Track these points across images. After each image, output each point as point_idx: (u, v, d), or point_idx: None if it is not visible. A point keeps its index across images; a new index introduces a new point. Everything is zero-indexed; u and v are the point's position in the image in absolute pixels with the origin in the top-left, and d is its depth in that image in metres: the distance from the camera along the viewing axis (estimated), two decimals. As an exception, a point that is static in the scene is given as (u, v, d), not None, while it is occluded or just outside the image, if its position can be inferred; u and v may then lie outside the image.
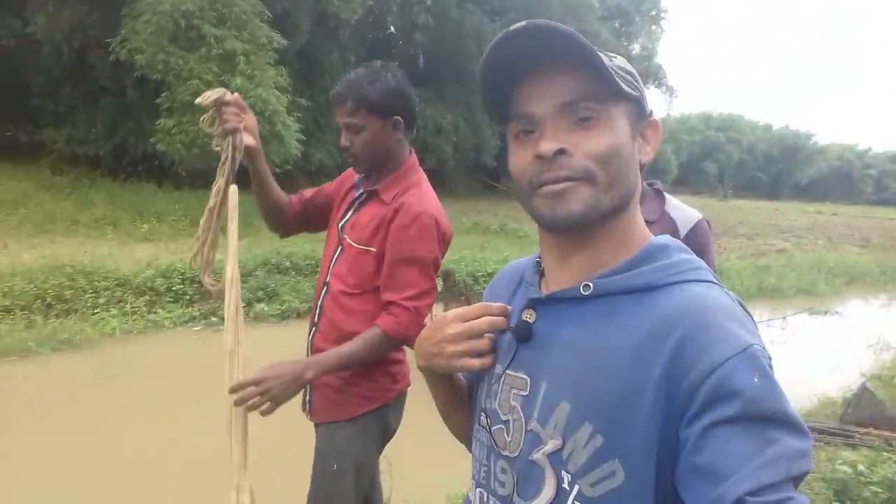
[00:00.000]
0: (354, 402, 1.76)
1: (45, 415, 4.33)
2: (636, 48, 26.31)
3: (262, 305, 7.16)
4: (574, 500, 0.72)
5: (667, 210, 1.88)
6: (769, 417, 0.62)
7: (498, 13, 18.79)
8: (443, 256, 1.79)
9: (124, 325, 6.32)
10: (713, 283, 0.75)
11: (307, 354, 1.84)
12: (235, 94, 1.63)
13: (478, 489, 0.86)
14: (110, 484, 3.38)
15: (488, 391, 0.85)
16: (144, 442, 3.87)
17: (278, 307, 7.18)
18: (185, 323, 6.67)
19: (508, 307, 0.85)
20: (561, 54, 0.72)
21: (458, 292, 6.73)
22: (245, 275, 7.59)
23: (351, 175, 1.93)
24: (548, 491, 0.74)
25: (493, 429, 0.83)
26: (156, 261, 7.74)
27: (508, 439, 0.80)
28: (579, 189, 0.73)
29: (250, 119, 1.66)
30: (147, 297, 7.00)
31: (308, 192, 2.00)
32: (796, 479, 0.62)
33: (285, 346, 4.65)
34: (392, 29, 20.32)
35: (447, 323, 0.84)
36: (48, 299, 6.46)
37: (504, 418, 0.81)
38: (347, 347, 1.65)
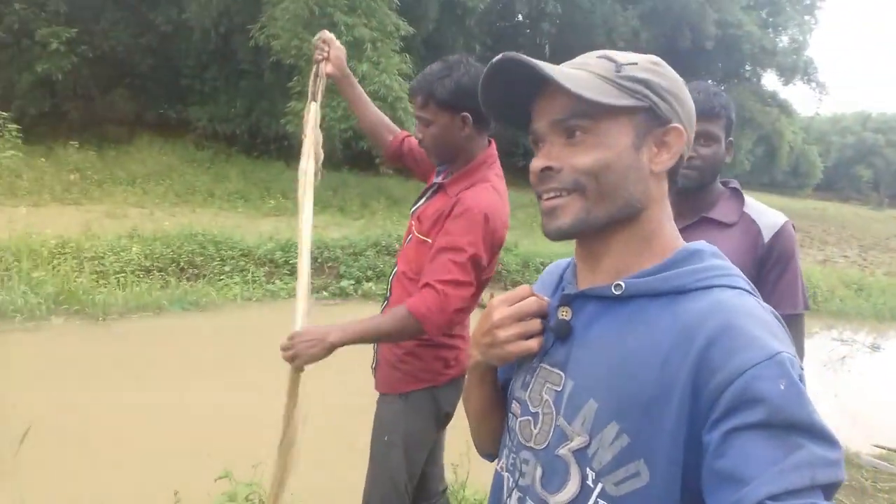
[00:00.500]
0: (404, 379, 1.84)
1: (174, 365, 4.77)
2: (784, 41, 24.16)
3: (370, 284, 7.41)
4: (598, 497, 0.73)
5: (746, 212, 1.66)
6: (794, 425, 0.62)
7: (631, 1, 18.03)
8: (491, 258, 1.75)
9: (245, 292, 6.77)
10: (745, 290, 0.74)
11: None
12: (324, 32, 2.00)
13: (506, 473, 0.88)
14: (226, 422, 3.71)
15: (522, 382, 0.87)
16: (256, 392, 4.13)
17: (385, 286, 7.35)
18: (298, 295, 7.04)
19: (548, 298, 0.86)
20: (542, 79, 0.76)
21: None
22: (356, 254, 7.90)
23: None
24: (572, 487, 0.75)
25: (520, 419, 0.85)
26: (277, 235, 8.22)
27: (535, 431, 0.82)
28: (570, 203, 0.77)
29: (333, 52, 1.98)
30: (267, 268, 7.46)
31: (414, 140, 2.03)
32: (826, 489, 0.61)
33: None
34: (520, 17, 20.11)
35: (494, 308, 0.85)
36: (182, 263, 7.06)
37: (533, 410, 0.83)
38: (375, 320, 1.70)
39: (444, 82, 1.71)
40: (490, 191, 1.75)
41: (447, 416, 1.92)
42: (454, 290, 1.66)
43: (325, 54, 1.97)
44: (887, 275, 12.61)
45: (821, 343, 7.96)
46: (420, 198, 1.92)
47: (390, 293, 1.93)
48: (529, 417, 0.83)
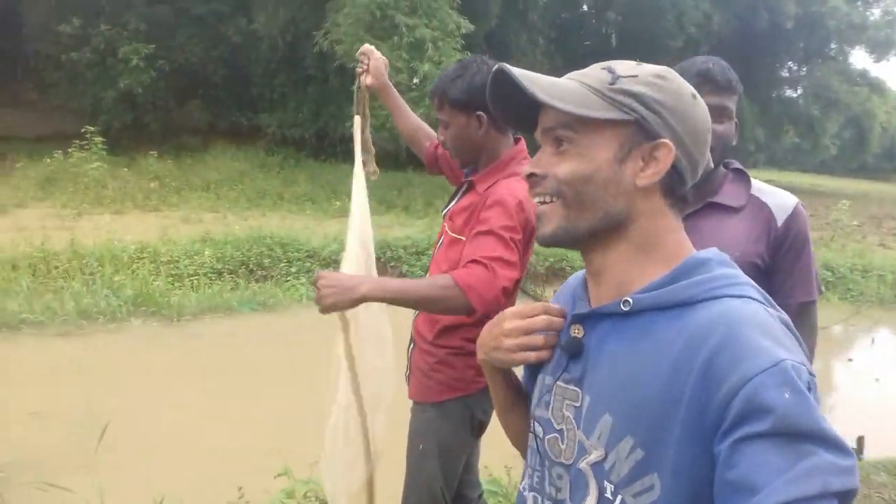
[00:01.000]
0: (437, 388, 1.82)
1: (242, 364, 4.93)
2: (875, 14, 22.44)
3: (431, 283, 7.42)
4: None
5: (754, 194, 1.54)
6: (802, 433, 0.62)
7: (699, -17, 17.28)
8: (526, 248, 1.68)
9: (310, 292, 6.91)
10: (752, 298, 0.73)
11: (412, 331, 1.94)
12: (365, 45, 2.10)
13: (531, 493, 0.89)
14: (287, 420, 3.74)
15: (539, 401, 0.89)
16: (317, 391, 4.20)
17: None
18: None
19: (565, 309, 0.89)
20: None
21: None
22: (419, 253, 7.94)
23: None
24: (591, 500, 0.77)
25: (546, 437, 0.86)
26: (341, 236, 8.34)
27: (563, 447, 0.83)
28: (554, 210, 0.80)
29: (373, 63, 2.04)
30: (332, 268, 7.52)
31: None
32: (841, 497, 0.61)
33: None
34: (585, 7, 19.69)
35: (506, 318, 0.89)
36: (251, 266, 7.31)
37: (558, 427, 0.84)
38: (415, 282, 1.67)
39: (456, 83, 1.71)
40: (521, 181, 1.69)
41: (481, 424, 1.90)
42: (502, 268, 1.55)
43: (365, 66, 2.04)
44: None
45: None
46: (451, 199, 1.91)
47: None
48: (556, 434, 0.84)
